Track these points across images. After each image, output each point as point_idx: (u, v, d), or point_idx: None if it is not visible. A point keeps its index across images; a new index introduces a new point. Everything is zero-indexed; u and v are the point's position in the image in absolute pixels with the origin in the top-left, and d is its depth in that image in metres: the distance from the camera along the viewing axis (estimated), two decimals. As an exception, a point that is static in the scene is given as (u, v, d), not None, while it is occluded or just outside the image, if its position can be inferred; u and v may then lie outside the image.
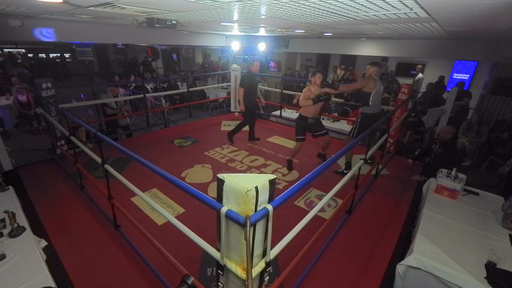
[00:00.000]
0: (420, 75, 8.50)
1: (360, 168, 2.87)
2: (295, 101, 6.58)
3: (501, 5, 1.80)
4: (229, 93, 6.99)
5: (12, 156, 4.46)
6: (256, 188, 1.20)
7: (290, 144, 5.25)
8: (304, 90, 3.98)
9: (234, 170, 4.14)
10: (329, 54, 10.99)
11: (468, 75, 8.25)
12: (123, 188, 2.34)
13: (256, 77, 5.05)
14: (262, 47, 7.79)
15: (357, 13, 2.45)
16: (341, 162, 4.45)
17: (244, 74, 5.05)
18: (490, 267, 1.97)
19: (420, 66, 8.86)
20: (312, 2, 2.01)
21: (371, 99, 3.72)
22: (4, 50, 13.63)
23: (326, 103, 4.16)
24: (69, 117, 3.26)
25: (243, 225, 1.16)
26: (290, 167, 4.23)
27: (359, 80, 3.99)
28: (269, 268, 1.44)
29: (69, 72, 14.24)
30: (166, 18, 3.42)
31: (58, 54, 15.15)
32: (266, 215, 1.25)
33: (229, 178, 1.25)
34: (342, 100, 6.54)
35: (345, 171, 3.97)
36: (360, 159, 2.94)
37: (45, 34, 4.48)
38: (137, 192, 2.20)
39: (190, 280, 1.25)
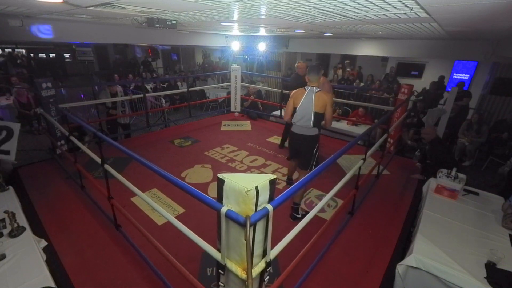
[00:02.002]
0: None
1: (360, 168, 2.87)
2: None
3: (501, 5, 1.80)
4: (229, 93, 6.99)
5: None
6: (256, 188, 1.20)
7: (290, 144, 5.25)
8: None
9: (234, 170, 4.14)
10: (329, 54, 11.00)
11: (468, 75, 8.25)
12: (123, 188, 2.34)
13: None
14: (262, 47, 7.79)
15: (357, 13, 2.45)
16: (341, 162, 4.46)
17: (291, 77, 4.82)
18: (490, 267, 1.97)
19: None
20: (312, 2, 2.01)
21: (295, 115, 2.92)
22: (5, 50, 13.63)
23: None
24: (70, 116, 3.26)
25: (243, 225, 1.16)
26: None
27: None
28: (269, 268, 1.44)
29: (67, 72, 14.23)
30: (166, 18, 3.42)
31: (54, 54, 15.12)
32: (266, 215, 1.25)
33: (229, 178, 1.25)
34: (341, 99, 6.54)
35: (298, 216, 2.96)
36: (361, 159, 2.94)
37: (45, 33, 4.48)
38: (137, 192, 2.20)
39: None
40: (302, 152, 3.01)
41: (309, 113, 2.81)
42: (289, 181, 3.67)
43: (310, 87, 2.86)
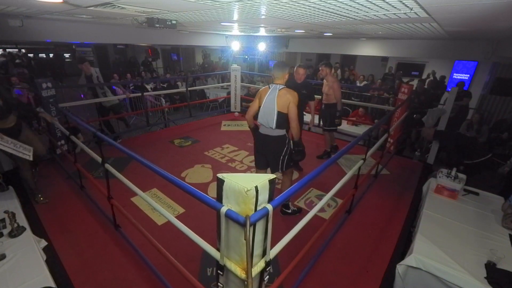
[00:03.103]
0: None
1: (360, 168, 2.87)
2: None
3: (501, 5, 1.80)
4: (229, 93, 6.99)
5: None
6: (256, 187, 1.20)
7: (290, 144, 5.26)
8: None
9: (234, 170, 4.14)
10: (329, 54, 11.01)
11: (468, 75, 8.25)
12: (123, 188, 2.34)
13: (301, 88, 3.52)
14: (262, 47, 7.79)
15: (357, 13, 2.45)
16: (341, 162, 4.46)
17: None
18: (490, 267, 1.97)
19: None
20: (312, 2, 2.01)
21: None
22: (6, 50, 13.62)
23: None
24: (70, 116, 3.27)
25: (243, 225, 1.16)
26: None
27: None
28: (269, 267, 1.44)
29: (66, 72, 14.20)
30: (166, 18, 3.42)
31: (51, 55, 15.10)
32: (266, 214, 1.25)
33: (229, 178, 1.25)
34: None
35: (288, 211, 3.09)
36: (361, 159, 2.94)
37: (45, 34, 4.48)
38: (137, 192, 2.20)
39: None
40: (269, 156, 2.77)
41: (271, 112, 2.57)
42: None
43: (274, 84, 2.62)
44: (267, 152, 2.77)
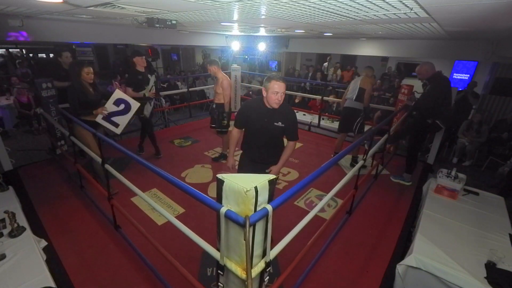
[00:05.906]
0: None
1: (360, 168, 2.87)
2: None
3: (501, 5, 1.79)
4: (229, 93, 6.97)
5: (12, 156, 4.46)
6: (256, 188, 1.20)
7: (290, 144, 5.24)
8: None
9: (233, 170, 4.13)
10: (329, 54, 11.00)
11: (468, 75, 8.25)
12: (123, 188, 2.35)
13: (274, 118, 2.32)
14: (262, 47, 7.78)
15: (357, 13, 2.45)
16: (341, 162, 4.45)
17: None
18: (490, 267, 1.97)
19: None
20: (312, 2, 2.01)
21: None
22: (9, 50, 13.60)
23: None
24: (69, 117, 3.26)
25: (242, 225, 1.16)
26: None
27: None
28: (269, 268, 1.44)
29: (67, 72, 14.17)
30: (166, 18, 3.41)
31: (52, 55, 15.04)
32: (265, 215, 1.25)
33: (228, 178, 1.25)
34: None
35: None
36: (361, 160, 2.94)
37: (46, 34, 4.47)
38: (137, 192, 2.20)
39: None
40: (349, 121, 4.16)
41: (356, 88, 4.01)
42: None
43: (362, 75, 4.20)
44: (348, 119, 4.15)
